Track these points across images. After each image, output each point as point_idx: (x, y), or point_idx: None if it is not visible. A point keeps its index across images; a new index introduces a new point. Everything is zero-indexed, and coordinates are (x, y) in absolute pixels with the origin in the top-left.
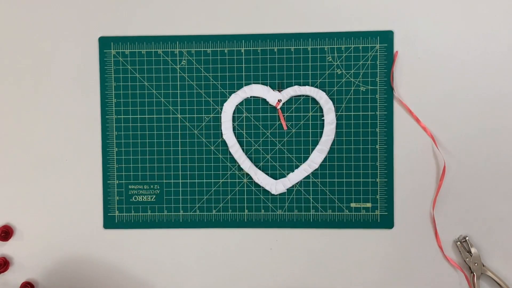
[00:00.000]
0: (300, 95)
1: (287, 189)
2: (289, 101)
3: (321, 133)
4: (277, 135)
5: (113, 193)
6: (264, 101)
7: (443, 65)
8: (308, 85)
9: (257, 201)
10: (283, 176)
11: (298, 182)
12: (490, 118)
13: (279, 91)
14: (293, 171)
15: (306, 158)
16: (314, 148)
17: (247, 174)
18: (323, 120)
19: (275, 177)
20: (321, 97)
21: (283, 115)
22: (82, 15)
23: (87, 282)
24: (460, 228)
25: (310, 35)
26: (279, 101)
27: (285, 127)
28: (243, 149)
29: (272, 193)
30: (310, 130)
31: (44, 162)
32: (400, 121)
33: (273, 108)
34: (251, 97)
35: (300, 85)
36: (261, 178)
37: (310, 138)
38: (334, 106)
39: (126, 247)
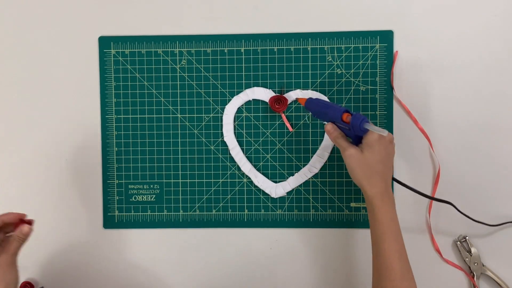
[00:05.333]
0: None
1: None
2: None
3: (322, 133)
4: (277, 135)
5: (113, 193)
6: (265, 101)
7: (443, 65)
8: (309, 86)
9: (257, 201)
10: (282, 176)
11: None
12: (489, 118)
13: (282, 94)
14: (292, 170)
15: (306, 158)
16: (314, 147)
17: (247, 176)
18: (324, 124)
19: (274, 177)
20: None
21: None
22: (82, 15)
23: (87, 281)
24: (461, 228)
25: (310, 35)
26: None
27: (290, 129)
28: (243, 149)
29: (271, 196)
30: (310, 130)
31: (44, 162)
32: (400, 121)
33: None
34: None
35: (300, 86)
36: (261, 181)
37: (310, 138)
38: None
39: (126, 247)
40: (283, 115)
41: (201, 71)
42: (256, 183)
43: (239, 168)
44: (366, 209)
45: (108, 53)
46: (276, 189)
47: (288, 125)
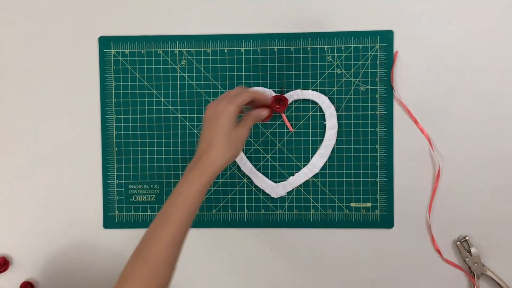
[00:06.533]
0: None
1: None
2: None
3: (322, 133)
4: (277, 135)
5: (113, 193)
6: None
7: (443, 65)
8: (309, 86)
9: (257, 201)
10: (283, 176)
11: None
12: (489, 118)
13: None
14: (293, 170)
15: (306, 158)
16: (314, 147)
17: (247, 176)
18: (325, 124)
19: (274, 177)
20: (323, 101)
21: (285, 115)
22: (82, 15)
23: (87, 282)
24: (460, 228)
25: (310, 35)
26: None
27: (291, 129)
28: (243, 149)
29: (272, 196)
30: (310, 130)
31: (44, 162)
32: (400, 121)
33: None
34: None
35: (300, 86)
36: (261, 181)
37: (310, 138)
38: (334, 106)
39: (126, 247)
40: (283, 115)
41: (201, 71)
42: (256, 183)
43: (239, 168)
44: (366, 209)
45: (108, 53)
46: (277, 189)
47: (288, 125)
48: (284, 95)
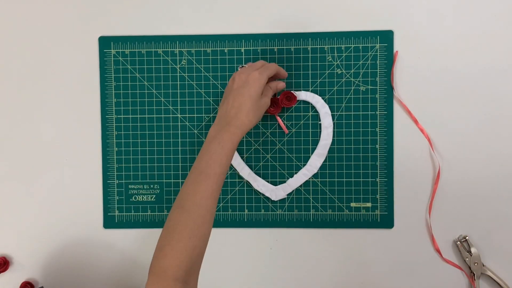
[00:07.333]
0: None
1: None
2: None
3: (320, 133)
4: (277, 135)
5: (113, 193)
6: None
7: (443, 65)
8: (309, 86)
9: (257, 201)
10: (282, 176)
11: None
12: (489, 118)
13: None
14: (293, 170)
15: (306, 158)
16: (314, 147)
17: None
18: (320, 124)
19: (274, 177)
20: (317, 101)
21: (283, 116)
22: (82, 15)
23: (87, 281)
24: (460, 228)
25: (310, 35)
26: None
27: (286, 131)
28: (242, 149)
29: (272, 199)
30: (310, 130)
31: (44, 162)
32: (400, 121)
33: None
34: None
35: (300, 85)
36: (260, 184)
37: (310, 138)
38: (332, 107)
39: (126, 247)
40: (278, 117)
41: (201, 71)
42: (255, 187)
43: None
44: (366, 209)
45: (108, 53)
46: (277, 192)
47: (283, 127)
48: (278, 97)
